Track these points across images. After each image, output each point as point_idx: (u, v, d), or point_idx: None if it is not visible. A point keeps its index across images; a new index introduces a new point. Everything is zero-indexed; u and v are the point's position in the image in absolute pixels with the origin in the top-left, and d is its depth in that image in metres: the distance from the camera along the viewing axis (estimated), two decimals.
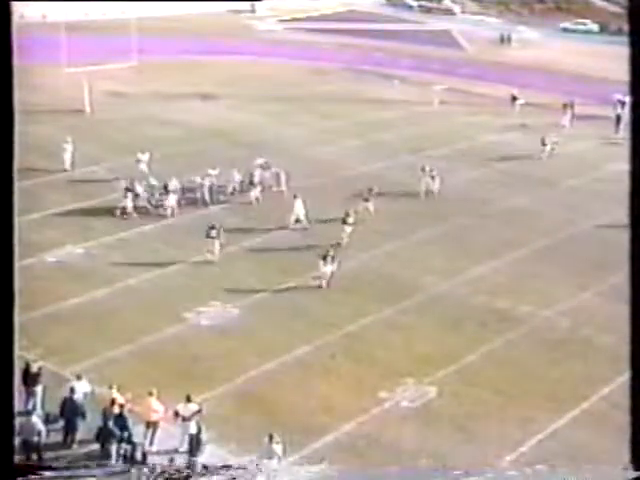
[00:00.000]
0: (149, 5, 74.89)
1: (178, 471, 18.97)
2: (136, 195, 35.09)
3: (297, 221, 35.06)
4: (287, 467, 19.35)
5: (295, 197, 35.30)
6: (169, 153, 40.64)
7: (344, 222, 33.50)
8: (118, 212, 34.50)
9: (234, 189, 37.75)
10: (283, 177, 38.75)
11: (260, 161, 39.15)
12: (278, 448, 19.74)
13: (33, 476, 17.70)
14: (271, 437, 19.78)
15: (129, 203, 34.68)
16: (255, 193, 37.39)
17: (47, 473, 18.17)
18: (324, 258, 30.14)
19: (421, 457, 21.26)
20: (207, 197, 36.89)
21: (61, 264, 30.71)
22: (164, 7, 76.88)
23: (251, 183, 37.74)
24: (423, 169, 39.74)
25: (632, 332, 10.39)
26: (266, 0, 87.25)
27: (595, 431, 23.02)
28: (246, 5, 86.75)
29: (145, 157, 38.65)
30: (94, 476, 18.90)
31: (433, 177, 39.45)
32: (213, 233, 31.65)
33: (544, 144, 46.96)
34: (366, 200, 35.96)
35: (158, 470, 18.90)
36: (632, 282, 10.44)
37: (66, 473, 18.62)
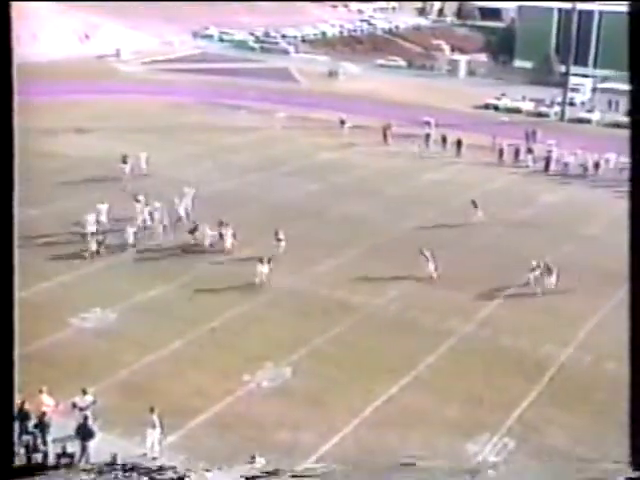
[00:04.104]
0: (25, 52, 72.41)
1: None
2: None
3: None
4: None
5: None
6: (51, 182, 39.03)
7: None
8: None
9: None
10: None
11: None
12: (156, 419, 19.63)
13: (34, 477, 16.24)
14: (152, 409, 19.77)
15: None
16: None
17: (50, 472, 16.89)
18: None
19: (282, 428, 21.22)
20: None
21: None
22: (38, 54, 74.42)
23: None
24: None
25: (632, 332, 10.25)
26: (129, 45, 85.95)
27: (421, 393, 23.52)
28: (111, 50, 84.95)
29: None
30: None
31: None
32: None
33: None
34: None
35: None
36: (632, 283, 10.34)
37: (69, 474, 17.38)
